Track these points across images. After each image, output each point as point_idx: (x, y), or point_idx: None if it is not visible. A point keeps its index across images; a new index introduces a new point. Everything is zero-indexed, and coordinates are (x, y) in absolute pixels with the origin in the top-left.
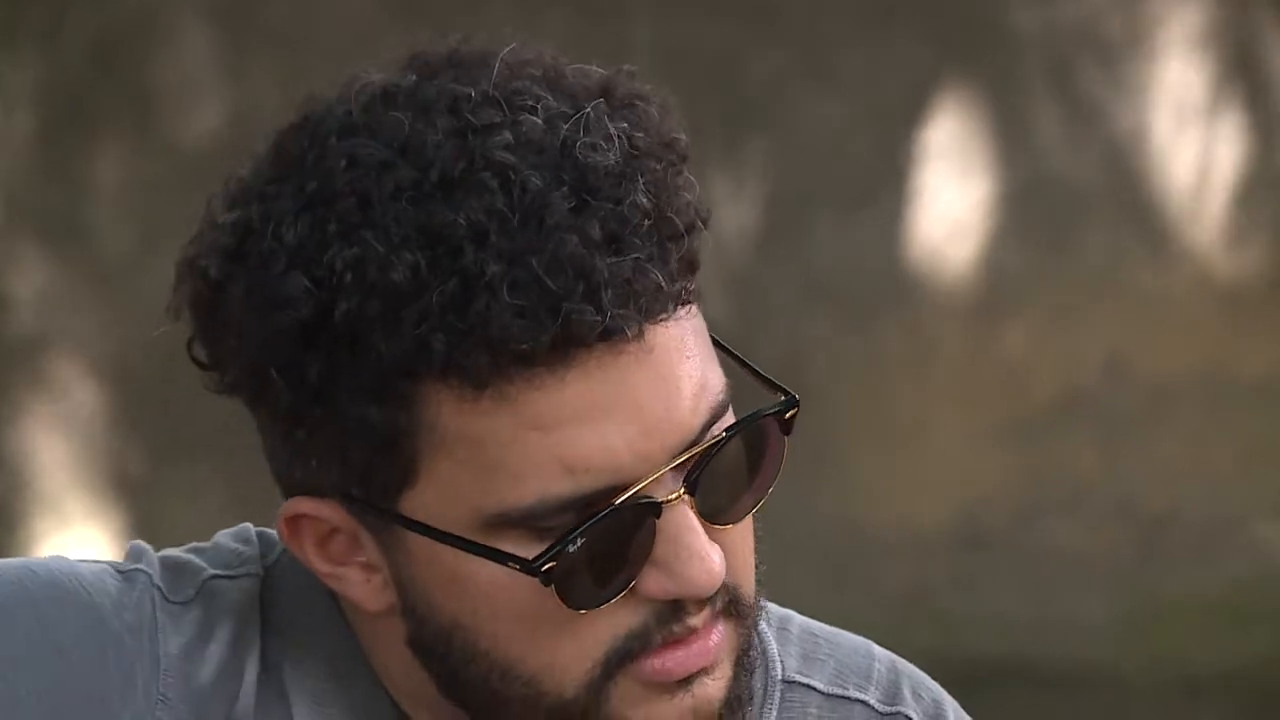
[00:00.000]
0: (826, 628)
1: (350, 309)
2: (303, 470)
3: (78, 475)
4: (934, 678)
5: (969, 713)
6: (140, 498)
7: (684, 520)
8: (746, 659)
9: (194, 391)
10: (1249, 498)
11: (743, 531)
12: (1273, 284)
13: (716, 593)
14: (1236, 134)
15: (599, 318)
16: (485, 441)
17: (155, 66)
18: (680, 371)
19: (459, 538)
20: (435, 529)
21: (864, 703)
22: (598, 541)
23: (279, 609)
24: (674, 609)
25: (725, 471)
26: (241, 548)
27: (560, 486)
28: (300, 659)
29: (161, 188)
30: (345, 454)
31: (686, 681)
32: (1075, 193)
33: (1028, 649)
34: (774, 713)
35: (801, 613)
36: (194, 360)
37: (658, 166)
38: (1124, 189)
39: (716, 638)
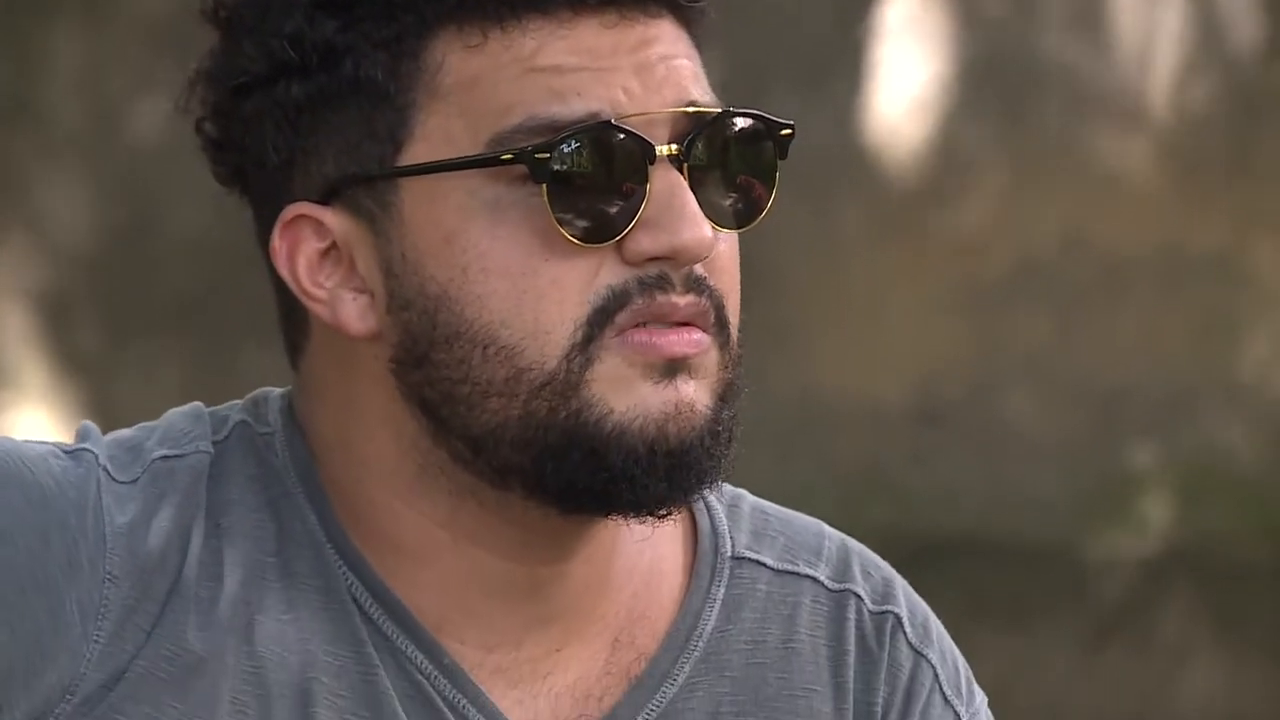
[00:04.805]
0: (777, 507)
1: None
2: (300, 171)
3: (33, 351)
4: (888, 553)
5: (922, 588)
6: (94, 375)
7: (677, 181)
8: (729, 392)
9: (150, 270)
10: (1205, 374)
11: (730, 253)
12: (1229, 159)
13: (703, 287)
14: (1193, 9)
15: None
16: (481, 81)
17: None
18: (687, 60)
19: (461, 158)
20: (436, 161)
21: (813, 578)
22: (592, 159)
23: (226, 484)
24: (658, 280)
25: (718, 159)
26: (191, 426)
27: (552, 108)
28: (242, 529)
29: (116, 64)
30: (347, 126)
31: (670, 372)
32: (1032, 68)
33: (982, 524)
34: (723, 588)
35: (756, 488)
36: (200, 132)
37: None
38: (1081, 65)
39: (701, 336)
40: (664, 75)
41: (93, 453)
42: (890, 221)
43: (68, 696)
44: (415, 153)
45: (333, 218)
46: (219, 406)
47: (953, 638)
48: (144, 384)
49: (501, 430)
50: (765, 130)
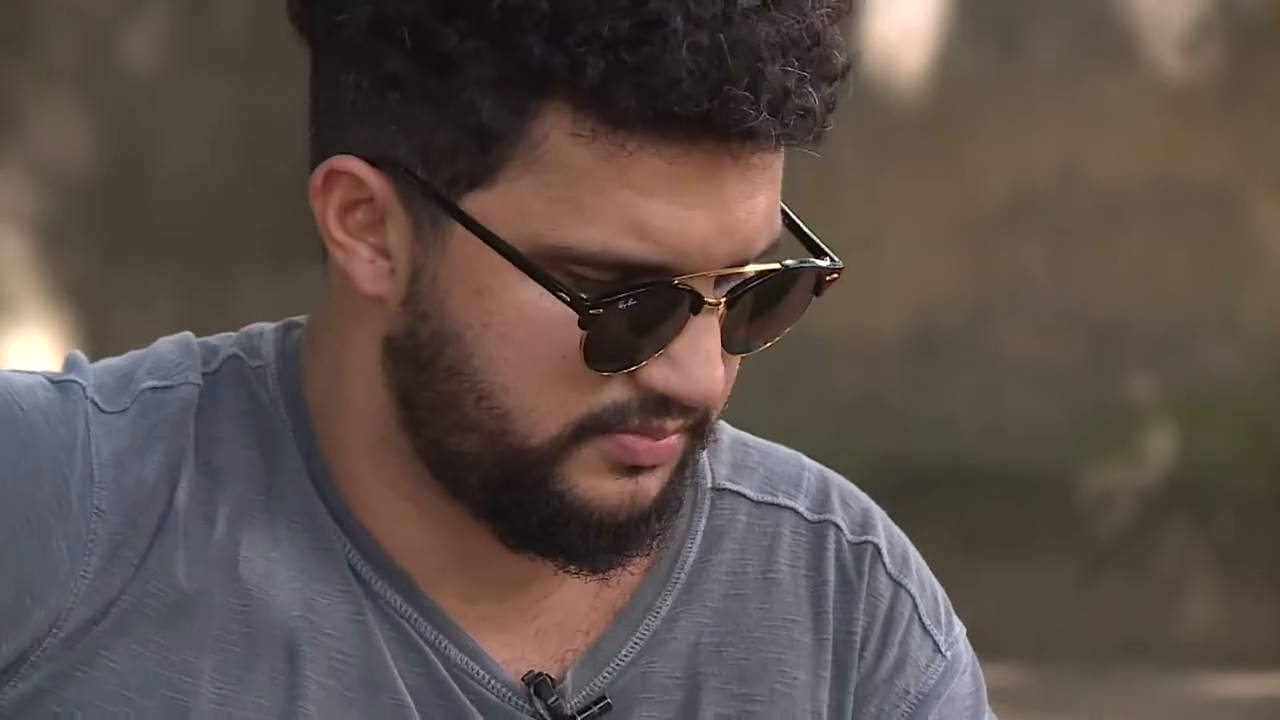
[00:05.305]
0: (757, 439)
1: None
2: (370, 130)
3: (29, 278)
4: (883, 484)
5: (918, 518)
6: (90, 302)
7: (710, 327)
8: (686, 469)
9: (146, 199)
10: (1202, 305)
11: (735, 366)
12: (1225, 91)
13: (696, 410)
14: None
15: (752, 114)
16: (578, 179)
17: None
18: (765, 197)
19: (519, 254)
20: (497, 237)
21: (793, 509)
22: (639, 311)
23: (216, 419)
24: (659, 405)
25: (757, 303)
26: (180, 356)
27: (626, 246)
28: (232, 468)
29: None
30: (433, 133)
31: (635, 471)
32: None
33: (978, 454)
34: (704, 520)
35: (752, 421)
36: None
37: (833, 4)
38: None
39: (676, 442)
40: (740, 220)
41: (80, 384)
42: (887, 153)
43: (54, 631)
44: (487, 202)
45: (380, 184)
46: (209, 337)
47: (948, 567)
48: (139, 312)
49: (475, 461)
50: (812, 277)
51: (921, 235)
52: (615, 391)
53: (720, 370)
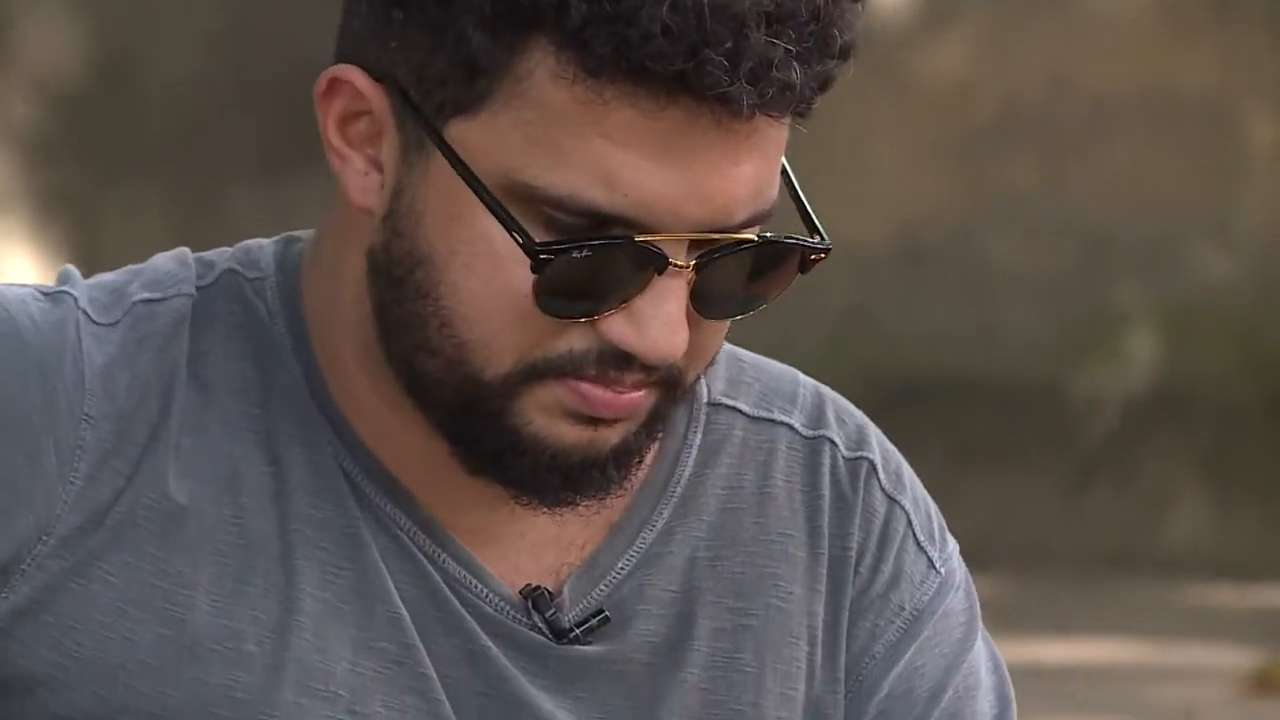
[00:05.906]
0: (752, 354)
1: None
2: (376, 46)
3: (16, 190)
4: (873, 394)
5: (908, 429)
6: (78, 214)
7: (676, 289)
8: (655, 424)
9: (135, 109)
10: (1192, 214)
11: (714, 333)
12: (1215, 1)
13: (662, 368)
14: None
15: (726, 80)
16: (556, 120)
17: None
18: (751, 169)
19: (483, 186)
20: (466, 167)
21: (788, 425)
22: (597, 262)
23: (210, 332)
24: (618, 359)
25: (733, 271)
26: (175, 269)
27: (593, 194)
28: (226, 381)
29: None
30: (428, 57)
31: (593, 423)
32: None
33: (967, 365)
34: (699, 434)
35: (743, 334)
36: None
37: None
38: None
39: (642, 396)
40: (718, 187)
41: (72, 295)
42: (874, 63)
43: (43, 538)
44: (469, 132)
45: (378, 99)
46: (206, 252)
47: (941, 480)
48: (128, 223)
49: (437, 383)
50: (798, 253)
51: (910, 150)
52: (575, 339)
53: (681, 334)
